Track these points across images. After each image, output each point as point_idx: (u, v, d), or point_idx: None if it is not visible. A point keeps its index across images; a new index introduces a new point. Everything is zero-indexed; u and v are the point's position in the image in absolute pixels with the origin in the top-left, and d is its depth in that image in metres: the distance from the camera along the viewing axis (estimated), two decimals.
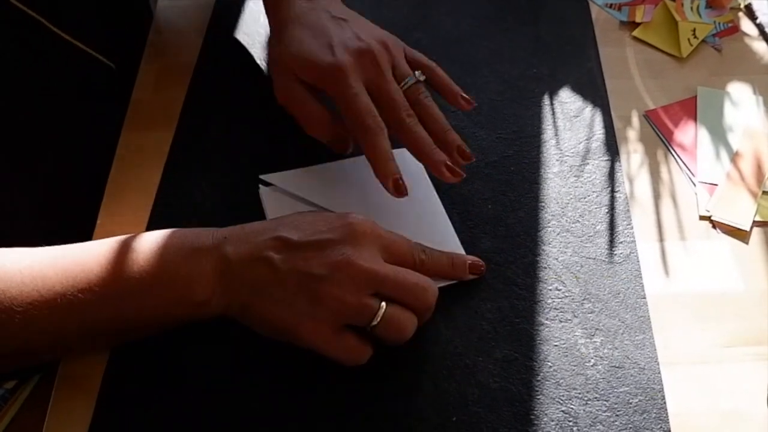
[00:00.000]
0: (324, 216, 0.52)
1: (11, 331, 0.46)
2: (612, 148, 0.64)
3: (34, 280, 0.47)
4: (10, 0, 0.58)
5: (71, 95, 0.69)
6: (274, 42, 0.62)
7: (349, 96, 0.56)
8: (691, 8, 0.75)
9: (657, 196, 0.61)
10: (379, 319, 0.48)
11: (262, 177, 0.61)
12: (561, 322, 0.54)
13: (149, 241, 0.50)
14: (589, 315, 0.54)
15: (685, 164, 0.63)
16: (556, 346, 0.53)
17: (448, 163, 0.56)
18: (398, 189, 0.55)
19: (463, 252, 0.57)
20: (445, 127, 0.58)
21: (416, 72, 0.59)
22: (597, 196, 0.61)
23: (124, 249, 0.49)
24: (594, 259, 0.57)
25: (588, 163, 0.63)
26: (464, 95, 0.60)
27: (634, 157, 0.64)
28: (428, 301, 0.51)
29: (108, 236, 0.51)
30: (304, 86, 0.59)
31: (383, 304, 0.48)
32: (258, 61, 0.71)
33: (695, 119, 0.66)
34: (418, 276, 0.51)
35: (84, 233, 0.59)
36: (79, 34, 0.67)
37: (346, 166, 0.62)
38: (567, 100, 0.68)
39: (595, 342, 0.53)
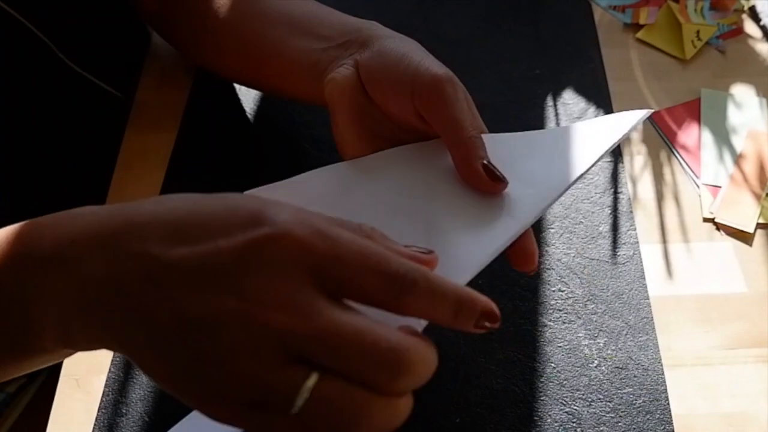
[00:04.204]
0: (231, 206, 0.33)
1: None
2: (615, 149, 0.64)
3: None
4: (20, 19, 0.58)
5: (77, 121, 0.69)
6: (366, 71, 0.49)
7: (460, 110, 0.46)
8: (695, 10, 0.75)
9: (660, 198, 0.61)
10: (302, 400, 0.29)
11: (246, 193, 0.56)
12: (564, 323, 0.54)
13: None
14: (593, 316, 0.54)
15: (688, 166, 0.63)
16: (559, 347, 0.53)
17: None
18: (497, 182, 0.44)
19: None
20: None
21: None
22: (600, 197, 0.61)
23: None
24: (597, 260, 0.57)
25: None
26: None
27: (637, 158, 0.64)
28: (400, 370, 0.29)
29: None
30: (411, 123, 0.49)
31: (312, 378, 0.29)
32: None
33: (699, 121, 0.66)
34: (385, 329, 0.30)
35: None
36: (85, 63, 0.67)
37: (342, 170, 0.50)
38: (570, 102, 0.67)
39: (598, 343, 0.53)
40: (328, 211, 0.36)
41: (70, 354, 0.36)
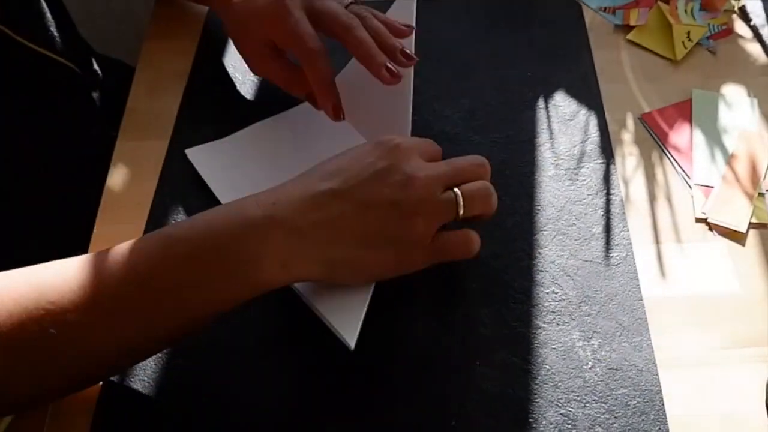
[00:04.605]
0: (360, 149, 0.51)
1: (78, 341, 0.43)
2: (607, 151, 0.64)
3: (88, 283, 0.43)
4: None
5: (42, 100, 0.69)
6: (226, 22, 0.65)
7: (290, 25, 0.58)
8: (685, 11, 0.75)
9: (653, 199, 0.61)
10: (462, 201, 0.50)
11: (187, 151, 0.63)
12: (558, 325, 0.54)
13: (191, 230, 0.46)
14: (587, 318, 0.54)
15: (680, 166, 0.63)
16: (553, 349, 0.53)
17: (389, 65, 0.57)
18: (336, 113, 0.60)
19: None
20: (387, 33, 0.60)
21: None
22: (592, 199, 0.61)
23: (168, 243, 0.46)
24: (590, 262, 0.57)
25: (583, 167, 0.63)
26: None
27: (629, 159, 0.64)
28: (485, 167, 0.53)
29: (105, 246, 0.50)
30: (269, 48, 0.62)
31: (456, 190, 0.50)
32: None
33: (690, 122, 0.66)
34: (462, 157, 0.53)
35: (80, 243, 0.59)
36: (37, 38, 0.67)
37: (270, 124, 0.65)
38: (561, 104, 0.68)
39: (592, 345, 0.53)
40: (264, 159, 0.62)
41: (281, 285, 0.47)
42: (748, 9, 0.75)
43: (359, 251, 0.48)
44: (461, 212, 0.50)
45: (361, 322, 0.50)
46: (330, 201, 0.47)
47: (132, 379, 0.52)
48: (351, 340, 0.49)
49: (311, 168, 0.50)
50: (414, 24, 0.62)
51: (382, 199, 0.48)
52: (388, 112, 0.61)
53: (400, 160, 0.49)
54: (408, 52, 0.59)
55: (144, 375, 0.52)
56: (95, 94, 0.76)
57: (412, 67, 0.60)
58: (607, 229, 0.59)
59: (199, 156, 0.63)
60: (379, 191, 0.48)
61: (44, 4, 0.69)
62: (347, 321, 0.50)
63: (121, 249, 0.46)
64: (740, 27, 0.74)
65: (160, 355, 0.53)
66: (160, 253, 0.45)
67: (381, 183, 0.48)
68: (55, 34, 0.70)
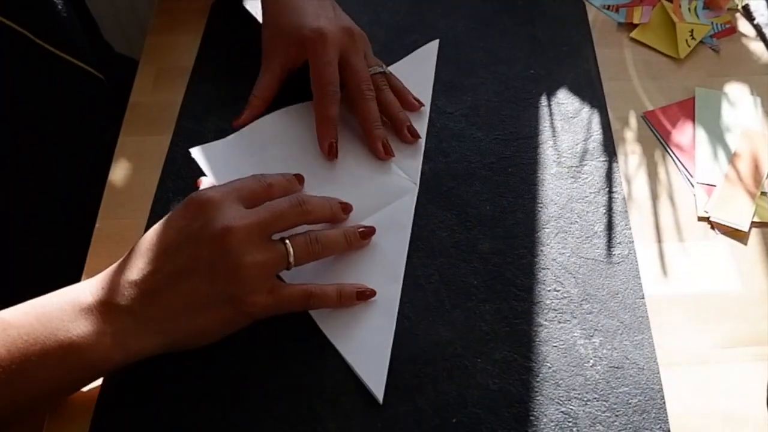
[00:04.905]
0: (172, 216, 0.49)
1: None
2: (609, 149, 0.64)
3: None
4: None
5: (62, 105, 0.69)
6: (270, 22, 0.67)
7: (322, 63, 0.61)
8: (689, 9, 0.75)
9: (655, 197, 0.61)
10: (292, 253, 0.50)
11: (191, 150, 0.63)
12: (560, 322, 0.54)
13: (25, 316, 0.46)
14: (588, 316, 0.54)
15: (683, 165, 0.63)
16: (555, 346, 0.53)
17: (385, 142, 0.62)
18: (331, 151, 0.62)
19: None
20: (399, 108, 0.65)
21: (383, 66, 0.66)
22: (595, 197, 0.61)
23: (2, 327, 0.45)
24: (592, 259, 0.57)
25: (586, 164, 0.63)
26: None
27: (631, 158, 0.64)
28: (309, 213, 0.52)
29: (107, 239, 0.50)
30: (285, 56, 0.65)
31: (287, 241, 0.50)
32: (254, 64, 0.71)
33: (693, 120, 0.66)
34: (287, 199, 0.51)
35: (83, 237, 0.59)
36: (65, 46, 0.67)
37: (273, 120, 0.66)
38: (564, 101, 0.68)
39: (594, 342, 0.53)
40: (268, 156, 0.63)
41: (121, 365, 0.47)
42: (752, 8, 0.75)
43: (194, 318, 0.48)
44: (292, 262, 0.50)
45: (386, 375, 0.51)
46: (153, 278, 0.47)
47: (131, 379, 0.52)
48: (380, 395, 0.50)
49: (136, 245, 0.49)
50: (434, 68, 0.70)
51: (201, 262, 0.47)
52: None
53: (213, 215, 0.48)
54: (413, 128, 0.64)
55: (143, 374, 0.52)
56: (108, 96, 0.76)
57: (426, 117, 0.66)
58: (609, 227, 0.59)
59: (203, 155, 0.63)
60: (196, 254, 0.47)
61: (67, 7, 0.69)
62: (374, 374, 0.51)
63: None
64: (744, 26, 0.74)
65: (161, 357, 0.53)
66: None
67: (197, 245, 0.47)
68: (77, 38, 0.71)
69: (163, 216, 0.50)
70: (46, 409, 0.48)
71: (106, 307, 0.46)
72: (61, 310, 0.46)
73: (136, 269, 0.47)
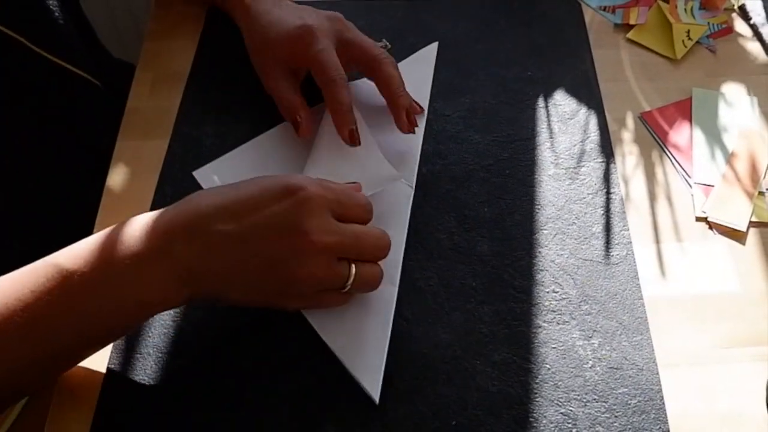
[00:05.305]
0: (265, 186, 0.48)
1: None
2: (607, 150, 0.64)
3: None
4: None
5: (58, 111, 0.69)
6: (248, 38, 0.66)
7: (315, 52, 0.60)
8: (685, 10, 0.75)
9: (653, 198, 0.61)
10: (351, 281, 0.49)
11: (195, 173, 0.62)
12: (558, 324, 0.54)
13: (84, 263, 0.45)
14: (587, 317, 0.54)
15: (680, 165, 0.63)
16: (554, 348, 0.53)
17: (411, 112, 0.61)
18: (353, 138, 0.60)
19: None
20: (400, 89, 0.62)
21: (381, 40, 0.65)
22: (592, 198, 0.61)
23: (66, 263, 0.45)
24: (591, 261, 0.57)
25: (583, 166, 0.63)
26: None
27: (629, 158, 0.64)
28: (386, 252, 0.51)
29: None
30: (285, 70, 0.63)
31: (353, 267, 0.49)
32: (251, 69, 0.71)
33: (690, 120, 0.66)
34: (374, 232, 0.51)
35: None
36: (61, 53, 0.67)
37: (275, 135, 0.65)
38: (561, 103, 0.68)
39: (593, 344, 0.53)
40: (268, 169, 0.61)
41: (169, 308, 0.49)
42: (748, 8, 0.75)
43: (242, 296, 0.49)
44: (347, 289, 0.50)
45: (382, 375, 0.51)
46: (221, 246, 0.46)
47: (132, 380, 0.52)
48: (376, 395, 0.50)
49: (214, 191, 0.49)
50: (432, 71, 0.69)
51: (268, 255, 0.47)
52: (400, 141, 0.63)
53: (303, 217, 0.47)
54: (415, 110, 0.62)
55: (144, 375, 0.52)
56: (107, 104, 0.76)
57: (424, 120, 0.65)
58: (607, 228, 0.59)
59: (207, 175, 0.62)
60: (269, 247, 0.47)
61: (63, 14, 0.70)
62: (370, 374, 0.51)
63: (15, 277, 0.45)
64: (740, 26, 0.74)
65: (160, 354, 0.53)
66: (49, 284, 0.44)
67: (275, 238, 0.47)
68: (74, 44, 0.71)
69: None
70: (96, 348, 0.49)
71: (165, 258, 0.46)
72: (120, 257, 0.45)
73: (207, 230, 0.46)
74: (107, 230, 0.47)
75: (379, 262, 0.52)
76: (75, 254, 0.46)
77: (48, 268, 0.45)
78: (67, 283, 0.44)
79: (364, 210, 0.51)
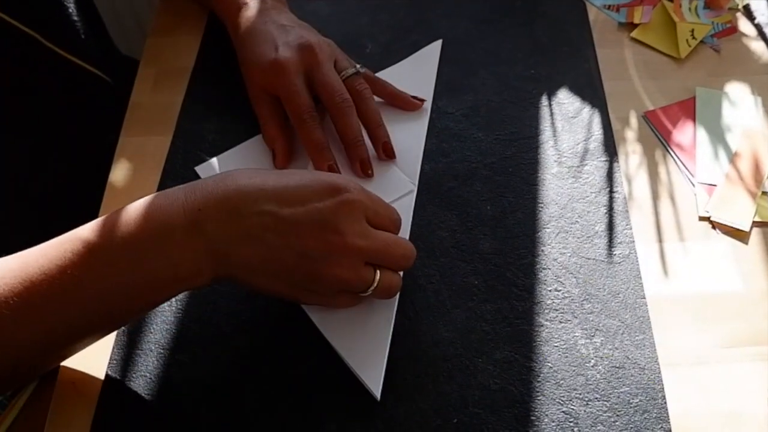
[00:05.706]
0: (310, 180, 0.49)
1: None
2: (610, 148, 0.64)
3: (17, 281, 0.43)
4: (2, 17, 0.59)
5: (69, 107, 0.69)
6: (239, 58, 0.67)
7: (290, 92, 0.61)
8: (690, 9, 0.75)
9: (656, 197, 0.61)
10: (375, 286, 0.50)
11: (197, 169, 0.62)
12: (561, 322, 0.54)
13: (110, 237, 0.45)
14: (589, 315, 0.54)
15: (684, 165, 0.63)
16: (556, 346, 0.53)
17: (365, 161, 0.61)
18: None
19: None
20: (378, 122, 0.63)
21: (358, 65, 0.64)
22: (596, 196, 0.61)
23: (91, 236, 0.45)
24: (593, 259, 0.57)
25: (586, 164, 0.63)
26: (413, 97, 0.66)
27: (632, 157, 0.64)
28: (410, 263, 0.52)
29: None
30: (267, 94, 0.64)
31: (377, 273, 0.50)
32: None
33: (694, 120, 0.66)
34: (402, 243, 0.51)
35: None
36: (73, 49, 0.67)
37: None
38: (565, 101, 0.68)
39: (595, 342, 0.53)
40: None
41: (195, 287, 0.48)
42: (753, 7, 0.75)
43: (268, 283, 0.49)
44: (368, 293, 0.50)
45: (384, 371, 0.51)
46: (256, 231, 0.46)
47: (133, 378, 0.52)
48: (377, 391, 0.50)
49: (253, 173, 0.49)
50: (436, 68, 0.70)
51: (302, 250, 0.47)
52: (403, 139, 0.64)
53: (342, 218, 0.47)
54: (390, 147, 0.63)
55: (145, 373, 0.52)
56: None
57: (427, 117, 0.66)
58: (610, 227, 0.59)
59: (209, 170, 0.63)
60: (303, 242, 0.47)
61: (77, 10, 0.70)
62: (371, 370, 0.51)
63: (39, 251, 0.45)
64: (745, 25, 0.74)
65: (161, 352, 0.53)
66: (74, 258, 0.44)
67: (312, 233, 0.47)
68: (86, 40, 0.71)
69: None
70: (124, 322, 0.51)
71: (196, 235, 0.45)
72: (148, 231, 0.45)
73: (245, 209, 0.46)
74: (132, 205, 0.46)
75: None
76: (100, 227, 0.45)
77: (74, 242, 0.44)
78: (92, 256, 0.44)
79: (394, 223, 0.52)
